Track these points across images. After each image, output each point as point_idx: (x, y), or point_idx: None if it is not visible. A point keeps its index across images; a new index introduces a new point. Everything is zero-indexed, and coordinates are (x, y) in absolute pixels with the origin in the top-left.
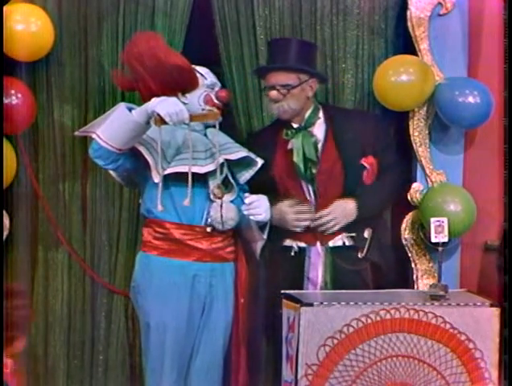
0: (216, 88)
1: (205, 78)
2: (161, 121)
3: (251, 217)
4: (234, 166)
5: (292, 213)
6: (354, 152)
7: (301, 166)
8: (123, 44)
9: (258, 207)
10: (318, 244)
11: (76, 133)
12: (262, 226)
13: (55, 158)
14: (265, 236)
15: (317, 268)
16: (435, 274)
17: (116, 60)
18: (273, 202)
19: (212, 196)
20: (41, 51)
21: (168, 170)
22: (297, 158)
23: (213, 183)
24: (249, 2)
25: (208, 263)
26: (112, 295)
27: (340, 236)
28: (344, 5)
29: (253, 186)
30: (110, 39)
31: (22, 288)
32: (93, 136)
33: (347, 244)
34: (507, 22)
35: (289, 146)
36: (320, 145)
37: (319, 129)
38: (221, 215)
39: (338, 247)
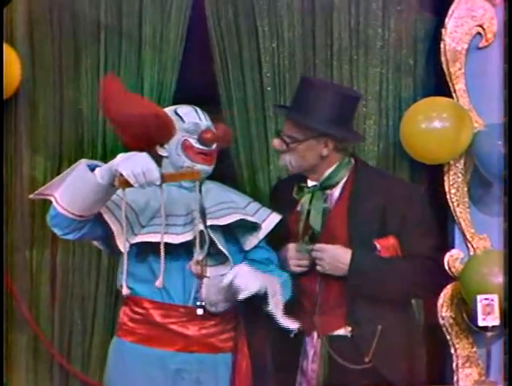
0: (202, 129)
1: (183, 121)
2: (125, 182)
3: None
4: (238, 229)
5: (293, 255)
6: (369, 229)
7: (300, 233)
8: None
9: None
10: (315, 334)
11: (31, 196)
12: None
13: (22, 219)
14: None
15: (309, 360)
16: (479, 362)
17: (97, 103)
18: None
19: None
20: (6, 91)
21: (137, 239)
22: (299, 225)
23: (196, 255)
24: (253, 33)
25: (196, 353)
26: None
27: (343, 329)
28: (366, 37)
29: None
30: (90, 76)
31: None
32: (52, 199)
33: (349, 335)
34: (507, 23)
35: (298, 208)
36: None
37: (338, 190)
38: (201, 298)
39: (338, 337)
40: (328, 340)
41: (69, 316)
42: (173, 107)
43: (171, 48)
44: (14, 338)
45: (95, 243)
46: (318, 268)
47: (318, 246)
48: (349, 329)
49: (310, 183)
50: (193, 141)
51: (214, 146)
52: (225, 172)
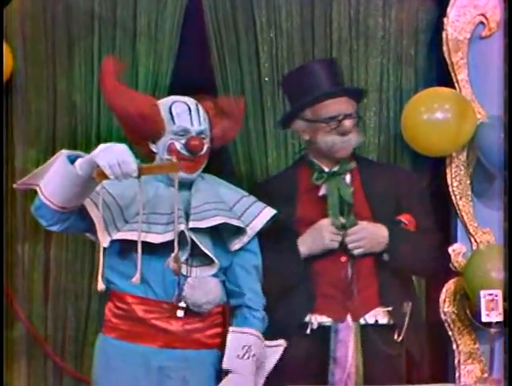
0: (191, 135)
1: (174, 122)
2: (102, 174)
3: None
4: (225, 229)
5: (330, 230)
6: (388, 207)
7: (336, 211)
8: (99, 75)
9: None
10: (348, 317)
11: (15, 185)
12: None
13: (13, 214)
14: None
15: (347, 346)
16: (482, 358)
17: (90, 95)
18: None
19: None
20: None
21: (117, 236)
22: (332, 204)
23: (183, 254)
24: (250, 24)
25: (179, 350)
26: (79, 385)
27: (373, 312)
28: (366, 27)
29: (271, 239)
30: (84, 68)
31: None
32: (37, 189)
33: (380, 321)
34: (507, 22)
35: (321, 192)
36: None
37: (348, 175)
38: (179, 296)
39: (369, 325)
40: (363, 326)
41: (63, 313)
42: (171, 99)
43: (167, 38)
44: (6, 334)
45: (87, 234)
46: (357, 251)
47: (357, 227)
48: (388, 309)
49: (326, 169)
50: (179, 146)
51: (202, 153)
52: (222, 166)
